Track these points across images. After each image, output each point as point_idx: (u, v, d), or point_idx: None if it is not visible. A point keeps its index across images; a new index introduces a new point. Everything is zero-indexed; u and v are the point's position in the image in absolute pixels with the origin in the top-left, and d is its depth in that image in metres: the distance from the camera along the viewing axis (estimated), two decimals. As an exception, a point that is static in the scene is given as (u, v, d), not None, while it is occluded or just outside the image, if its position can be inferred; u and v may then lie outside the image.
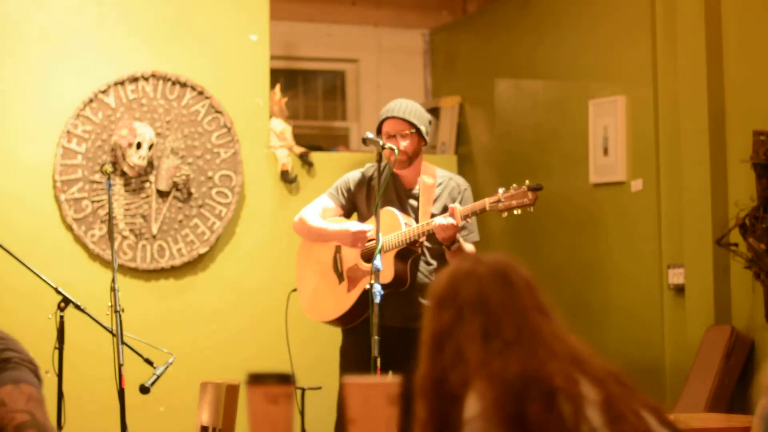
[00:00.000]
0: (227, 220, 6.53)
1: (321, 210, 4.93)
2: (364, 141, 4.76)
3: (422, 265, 4.82)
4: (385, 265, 4.70)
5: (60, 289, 4.82)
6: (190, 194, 6.49)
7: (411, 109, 4.85)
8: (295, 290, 5.23)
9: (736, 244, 5.51)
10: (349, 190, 4.93)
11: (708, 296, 5.66)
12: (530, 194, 4.55)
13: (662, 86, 6.01)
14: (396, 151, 4.69)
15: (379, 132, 4.87)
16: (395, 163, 4.77)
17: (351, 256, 4.85)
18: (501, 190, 4.62)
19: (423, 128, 4.82)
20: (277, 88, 6.90)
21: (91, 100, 6.34)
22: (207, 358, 6.47)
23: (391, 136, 4.80)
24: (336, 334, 5.13)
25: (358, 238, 4.77)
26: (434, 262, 4.83)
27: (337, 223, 4.89)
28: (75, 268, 6.27)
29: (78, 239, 6.32)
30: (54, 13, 6.32)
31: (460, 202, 4.85)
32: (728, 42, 5.69)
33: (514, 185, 4.62)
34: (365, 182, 4.92)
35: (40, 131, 6.28)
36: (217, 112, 6.55)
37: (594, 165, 6.45)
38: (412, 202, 4.88)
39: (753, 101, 5.57)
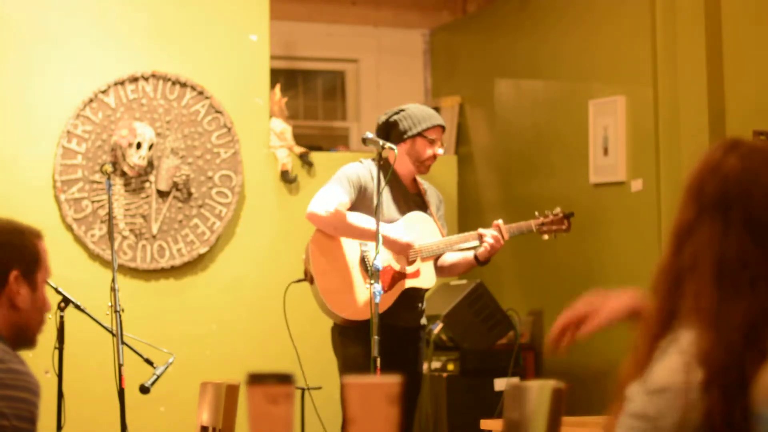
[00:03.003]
0: (227, 220, 6.53)
1: (341, 205, 4.90)
2: (364, 141, 4.76)
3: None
4: (426, 269, 4.91)
5: (60, 289, 4.82)
6: (190, 194, 6.49)
7: None
8: (297, 281, 5.12)
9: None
10: (361, 186, 4.90)
11: (708, 296, 5.65)
12: (566, 222, 4.97)
13: (662, 86, 6.00)
14: (396, 151, 4.72)
15: (417, 134, 4.90)
16: (428, 168, 4.97)
17: (382, 256, 4.83)
18: (538, 215, 4.95)
19: None
20: (277, 88, 6.90)
21: (91, 100, 6.34)
22: (207, 358, 6.47)
23: (431, 142, 4.94)
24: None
25: (406, 249, 4.82)
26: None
27: (375, 224, 4.83)
28: (75, 268, 6.27)
29: (78, 239, 6.32)
30: (54, 13, 6.33)
31: (441, 213, 5.07)
32: (728, 42, 5.69)
33: (548, 211, 4.97)
34: (372, 179, 4.92)
35: (40, 131, 6.28)
36: (217, 112, 6.55)
37: (594, 165, 6.45)
38: (418, 207, 4.99)
39: (753, 101, 5.57)
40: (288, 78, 7.76)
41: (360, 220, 4.84)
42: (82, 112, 6.33)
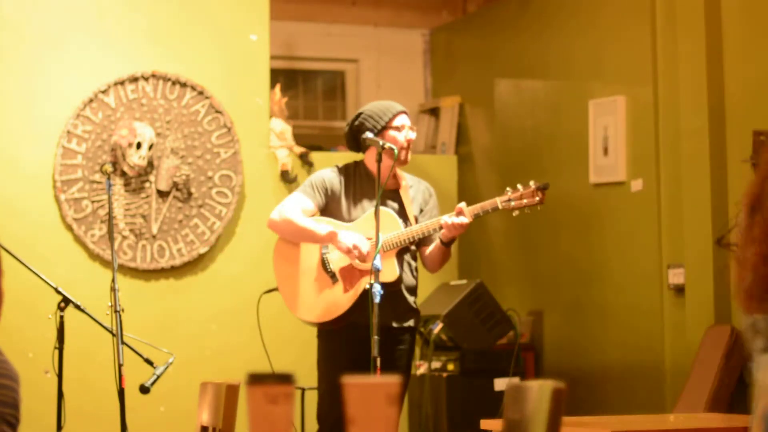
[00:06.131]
0: (227, 220, 6.53)
1: (300, 210, 4.86)
2: (364, 141, 4.76)
3: (405, 265, 4.83)
4: (387, 265, 4.71)
5: (60, 289, 4.82)
6: (190, 194, 6.49)
7: None
8: (269, 291, 5.18)
9: (736, 244, 5.50)
10: (326, 190, 4.87)
11: (708, 296, 5.66)
12: (539, 194, 4.71)
13: (662, 86, 6.01)
14: (396, 151, 4.69)
15: (383, 128, 4.82)
16: (406, 158, 4.82)
17: (343, 256, 4.82)
18: (509, 190, 4.72)
19: None
20: (277, 88, 6.91)
21: (91, 100, 6.34)
22: (207, 358, 6.47)
23: (398, 129, 4.82)
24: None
25: (355, 251, 4.72)
26: (414, 262, 4.88)
27: (328, 225, 4.81)
28: (75, 268, 6.27)
29: (78, 239, 6.32)
30: (54, 13, 6.33)
31: (430, 206, 4.91)
32: (728, 41, 5.69)
33: (519, 185, 4.74)
34: (342, 182, 4.88)
35: (40, 131, 6.29)
36: (217, 112, 6.55)
37: (594, 165, 6.45)
38: (392, 203, 4.86)
39: (753, 101, 5.57)
40: (288, 78, 7.76)
41: (311, 223, 4.79)
42: (82, 112, 6.33)
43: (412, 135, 4.86)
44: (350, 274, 4.78)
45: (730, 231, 5.52)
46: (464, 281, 6.68)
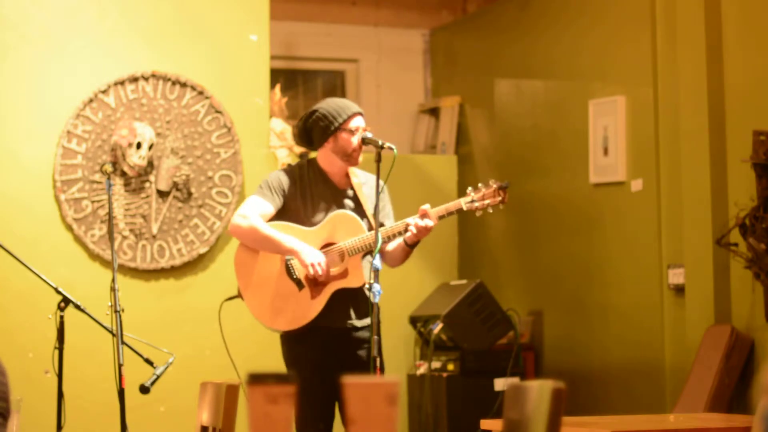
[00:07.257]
0: (227, 220, 6.53)
1: (260, 215, 4.82)
2: (363, 140, 4.76)
3: (366, 263, 4.81)
4: (353, 269, 4.71)
5: (60, 289, 4.82)
6: (190, 194, 6.49)
7: None
8: (231, 299, 5.09)
9: (736, 244, 5.51)
10: (283, 191, 4.84)
11: (708, 296, 5.66)
12: (501, 193, 4.71)
13: (662, 86, 6.01)
14: (395, 150, 4.69)
15: (336, 129, 4.80)
16: (357, 159, 4.80)
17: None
18: (470, 190, 4.72)
19: None
20: (277, 88, 6.91)
21: (91, 100, 6.34)
22: (207, 358, 6.47)
23: (352, 131, 4.80)
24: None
25: (316, 266, 4.69)
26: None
27: (293, 237, 4.77)
28: (75, 268, 6.27)
29: (78, 239, 6.32)
30: (54, 13, 6.33)
31: (383, 202, 4.86)
32: (728, 42, 5.69)
33: (481, 184, 4.74)
34: (296, 182, 4.86)
35: (40, 131, 6.29)
36: (217, 112, 6.55)
37: (594, 165, 6.45)
38: (348, 202, 4.84)
39: (753, 101, 5.57)
40: (288, 78, 7.76)
41: (275, 233, 4.75)
42: (82, 112, 6.33)
43: (369, 135, 4.79)
44: (316, 280, 4.75)
45: (730, 231, 5.52)
46: (464, 281, 6.68)
